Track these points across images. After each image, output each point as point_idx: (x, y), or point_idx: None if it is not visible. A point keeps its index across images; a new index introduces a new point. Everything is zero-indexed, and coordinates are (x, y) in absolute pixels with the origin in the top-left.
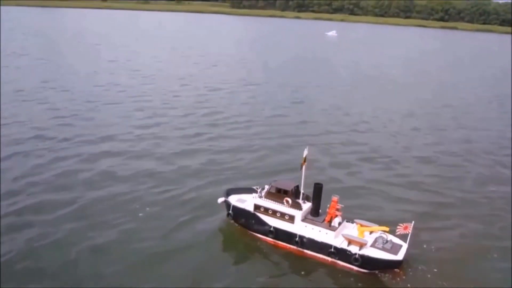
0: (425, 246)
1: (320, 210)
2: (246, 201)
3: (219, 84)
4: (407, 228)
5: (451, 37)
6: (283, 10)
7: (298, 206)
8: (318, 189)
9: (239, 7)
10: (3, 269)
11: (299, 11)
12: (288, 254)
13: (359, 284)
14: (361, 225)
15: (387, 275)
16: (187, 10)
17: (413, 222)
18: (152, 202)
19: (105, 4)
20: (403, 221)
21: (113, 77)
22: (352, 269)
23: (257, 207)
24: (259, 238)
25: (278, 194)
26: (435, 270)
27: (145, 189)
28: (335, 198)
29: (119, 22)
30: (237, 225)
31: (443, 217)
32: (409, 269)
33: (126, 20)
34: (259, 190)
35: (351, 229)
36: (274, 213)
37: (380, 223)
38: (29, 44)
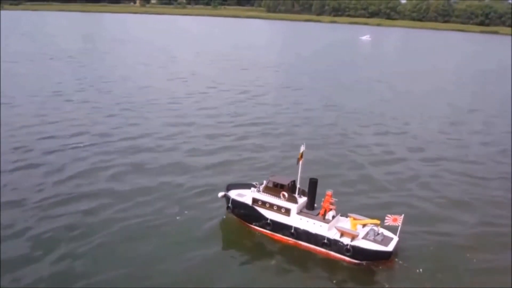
0: (418, 240)
1: (315, 205)
2: (245, 196)
3: (255, 88)
4: (396, 220)
5: (493, 41)
6: (318, 14)
7: (294, 200)
8: (313, 183)
9: (274, 12)
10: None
11: (334, 16)
12: (284, 245)
13: (351, 274)
14: (354, 219)
15: (378, 266)
16: (223, 15)
17: (403, 215)
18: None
19: (144, 9)
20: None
21: (150, 80)
22: (344, 259)
23: (255, 200)
24: (257, 230)
25: (275, 188)
26: (424, 264)
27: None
28: (329, 192)
29: (157, 26)
30: (235, 217)
31: (443, 214)
32: (400, 261)
33: (164, 24)
34: (257, 185)
35: (345, 222)
36: (271, 207)
37: (379, 217)
38: (72, 47)
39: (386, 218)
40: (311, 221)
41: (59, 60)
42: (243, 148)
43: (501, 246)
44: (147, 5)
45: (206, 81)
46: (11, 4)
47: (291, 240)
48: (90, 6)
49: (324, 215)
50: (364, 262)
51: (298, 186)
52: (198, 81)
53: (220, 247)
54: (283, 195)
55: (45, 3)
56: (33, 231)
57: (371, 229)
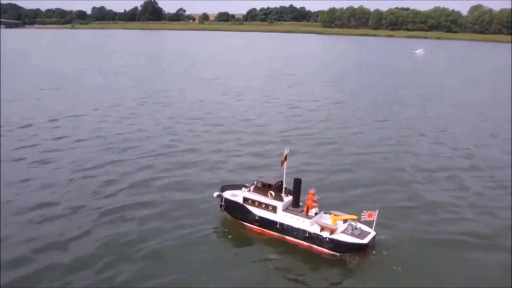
0: (396, 234)
1: (301, 203)
2: (237, 196)
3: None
4: (372, 215)
5: None
6: (375, 28)
7: (280, 198)
8: (297, 183)
9: (330, 27)
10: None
11: (392, 29)
12: (270, 239)
13: (330, 265)
14: (335, 215)
15: (356, 257)
16: (278, 30)
17: (377, 210)
18: None
19: (202, 26)
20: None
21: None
22: (324, 251)
23: (245, 199)
24: (246, 226)
25: (263, 188)
26: (400, 257)
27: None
28: (311, 191)
29: (214, 42)
30: (228, 215)
31: (421, 209)
32: (376, 254)
33: (222, 40)
34: (249, 186)
35: (327, 218)
36: (259, 205)
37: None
38: (134, 63)
39: (362, 213)
40: (295, 217)
41: (122, 74)
42: (291, 163)
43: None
44: (205, 22)
45: (259, 95)
46: (81, 23)
47: (277, 234)
48: (151, 24)
49: (307, 212)
50: (342, 254)
51: (285, 186)
52: (251, 96)
53: (212, 242)
54: (270, 194)
55: (110, 22)
56: (91, 237)
57: (350, 224)
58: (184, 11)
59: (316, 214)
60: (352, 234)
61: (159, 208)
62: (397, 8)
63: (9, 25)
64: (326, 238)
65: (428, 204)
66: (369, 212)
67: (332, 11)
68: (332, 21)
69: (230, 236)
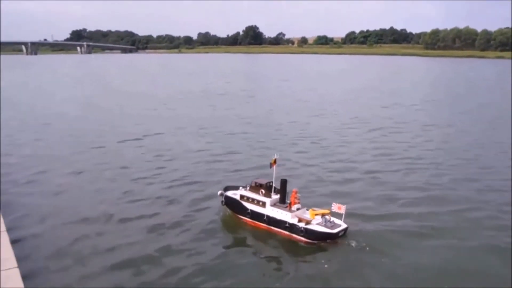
0: (368, 227)
1: (287, 200)
2: (236, 194)
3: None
4: (340, 208)
5: None
6: (482, 50)
7: (268, 195)
8: (283, 183)
9: (433, 49)
10: None
11: (501, 50)
12: (259, 229)
13: (304, 250)
14: (313, 210)
15: (327, 245)
16: (378, 53)
17: (345, 205)
18: None
19: (301, 49)
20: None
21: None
22: (301, 239)
23: (242, 196)
24: (241, 219)
25: (256, 187)
26: (368, 248)
27: None
28: (294, 189)
29: (312, 65)
30: (228, 210)
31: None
32: (345, 243)
33: (319, 64)
34: (246, 186)
35: (307, 213)
36: (252, 201)
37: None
38: (237, 86)
39: (333, 204)
40: (279, 211)
41: (226, 96)
42: (372, 181)
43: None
44: (304, 46)
45: (347, 117)
46: (187, 48)
47: (264, 225)
48: (252, 48)
49: (290, 207)
50: (315, 242)
51: (274, 186)
52: (340, 117)
53: (213, 230)
54: (261, 192)
55: (214, 46)
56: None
57: (325, 218)
58: (284, 35)
59: (298, 209)
60: (324, 226)
61: None
62: (507, 28)
63: (124, 50)
64: (301, 227)
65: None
66: (339, 205)
67: (436, 32)
68: (435, 43)
69: (227, 225)
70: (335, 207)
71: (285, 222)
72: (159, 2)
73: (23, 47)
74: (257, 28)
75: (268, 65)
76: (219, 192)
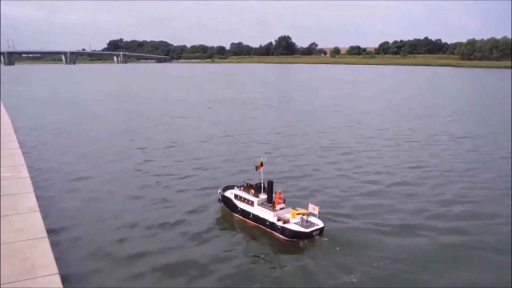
0: (346, 229)
1: (274, 200)
2: (232, 193)
3: None
4: (315, 209)
5: None
6: None
7: (256, 195)
8: (269, 184)
9: (469, 59)
10: None
11: None
12: (247, 225)
13: (281, 246)
14: (293, 209)
15: (303, 243)
16: (412, 64)
17: (318, 206)
18: None
19: (333, 59)
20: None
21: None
22: (279, 237)
23: (235, 196)
24: (234, 216)
25: (247, 187)
26: (338, 248)
27: None
28: (278, 191)
29: (344, 75)
30: (224, 207)
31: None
32: (322, 240)
33: (351, 74)
34: (240, 186)
35: (289, 213)
36: (243, 200)
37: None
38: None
39: (309, 205)
40: (264, 210)
41: (256, 105)
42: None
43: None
44: (337, 56)
45: (377, 128)
46: (220, 58)
47: (251, 222)
48: (284, 58)
49: (274, 207)
50: (293, 240)
51: (263, 186)
52: (368, 129)
53: (209, 224)
54: (251, 192)
55: (246, 56)
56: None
57: (303, 217)
58: (316, 45)
59: (281, 209)
60: (300, 225)
61: None
62: None
63: (159, 60)
64: (279, 226)
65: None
66: (313, 206)
67: (472, 42)
68: (471, 53)
69: (222, 221)
70: (310, 208)
71: (266, 220)
72: (194, 13)
73: (63, 57)
74: (290, 38)
75: (298, 75)
76: (218, 191)
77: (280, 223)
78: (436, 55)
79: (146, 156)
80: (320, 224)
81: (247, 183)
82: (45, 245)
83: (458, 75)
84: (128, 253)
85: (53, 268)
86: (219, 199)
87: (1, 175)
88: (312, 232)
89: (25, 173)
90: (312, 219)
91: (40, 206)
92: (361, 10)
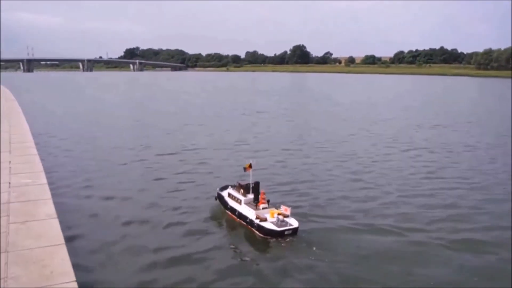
0: (326, 230)
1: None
2: (227, 191)
3: None
4: (287, 210)
5: None
6: None
7: (244, 195)
8: (256, 184)
9: (486, 69)
10: None
11: None
12: (234, 221)
13: (257, 243)
14: (272, 210)
15: (277, 241)
16: (427, 73)
17: (290, 207)
18: None
19: (348, 69)
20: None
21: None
22: (256, 233)
23: (228, 194)
24: (226, 212)
25: (238, 187)
26: (314, 247)
27: None
28: (262, 191)
29: (361, 85)
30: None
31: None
32: (293, 241)
33: (367, 83)
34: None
35: (268, 212)
36: (233, 198)
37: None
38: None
39: (281, 206)
40: (248, 208)
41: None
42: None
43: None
44: (352, 65)
45: (388, 137)
46: (235, 66)
47: (237, 219)
48: (299, 67)
49: (257, 206)
50: (267, 237)
51: (251, 187)
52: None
53: (204, 219)
54: (241, 191)
55: (261, 65)
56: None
57: (278, 217)
58: (331, 54)
59: (264, 208)
60: (275, 224)
61: None
62: None
63: (174, 68)
64: (255, 223)
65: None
66: (285, 207)
67: (488, 52)
68: (488, 63)
69: (214, 216)
70: (283, 209)
71: (247, 217)
72: (208, 22)
73: (80, 64)
74: (304, 47)
75: (314, 84)
76: (217, 189)
77: (257, 221)
78: (452, 65)
79: (166, 163)
80: (294, 224)
81: (239, 183)
82: (63, 252)
83: (474, 85)
84: (144, 263)
85: (71, 275)
86: (215, 197)
87: (21, 181)
88: (284, 231)
89: (43, 180)
90: (289, 220)
91: (57, 212)
92: (376, 20)
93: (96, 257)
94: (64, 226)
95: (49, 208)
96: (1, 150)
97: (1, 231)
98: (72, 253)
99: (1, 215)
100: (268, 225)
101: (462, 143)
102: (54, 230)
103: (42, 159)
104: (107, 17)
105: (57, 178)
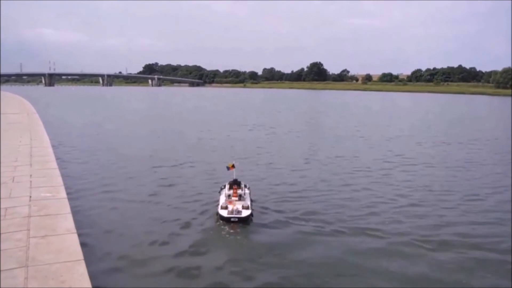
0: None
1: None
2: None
3: None
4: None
5: None
6: None
7: (228, 190)
8: (234, 181)
9: (505, 88)
10: None
11: None
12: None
13: (222, 228)
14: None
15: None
16: (445, 91)
17: (239, 198)
18: None
19: (365, 86)
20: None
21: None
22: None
23: (220, 189)
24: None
25: (228, 184)
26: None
27: None
28: (234, 187)
29: (376, 103)
30: None
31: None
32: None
33: (383, 101)
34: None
35: (231, 203)
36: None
37: None
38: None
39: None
40: (223, 200)
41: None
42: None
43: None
44: (369, 83)
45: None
46: (252, 83)
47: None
48: (316, 84)
49: (231, 198)
50: (221, 220)
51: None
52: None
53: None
54: (227, 187)
55: (278, 82)
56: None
57: (236, 207)
58: (348, 71)
59: (235, 200)
60: (228, 212)
61: None
62: None
63: (192, 84)
64: (217, 211)
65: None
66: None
67: (507, 71)
68: (507, 82)
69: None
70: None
71: (218, 207)
72: (226, 38)
73: (100, 79)
74: (321, 64)
75: (330, 101)
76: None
77: (218, 208)
78: (470, 83)
79: (188, 177)
80: (244, 214)
81: (229, 181)
82: (82, 268)
83: (493, 104)
84: (167, 281)
85: (87, 282)
86: (219, 191)
87: (41, 195)
88: (230, 218)
89: (63, 194)
90: (244, 211)
91: (76, 227)
92: (393, 38)
93: (114, 273)
94: (83, 241)
95: (69, 222)
96: (22, 164)
97: (22, 245)
98: (90, 269)
99: (22, 229)
100: (222, 211)
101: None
102: (73, 245)
103: (62, 172)
104: (127, 33)
105: (76, 191)
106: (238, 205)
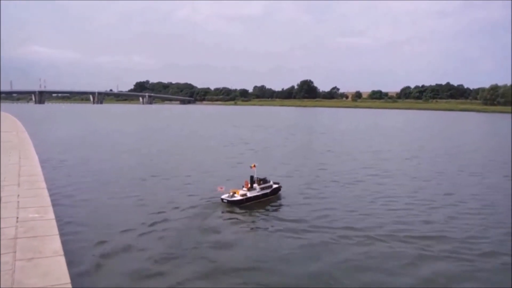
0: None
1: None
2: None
3: None
4: (222, 188)
5: None
6: None
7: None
8: (251, 177)
9: (492, 104)
10: None
11: None
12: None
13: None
14: (235, 190)
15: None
16: (434, 108)
17: (224, 187)
18: None
19: (355, 103)
20: None
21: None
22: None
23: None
24: None
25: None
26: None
27: None
28: (246, 180)
29: (366, 120)
30: None
31: None
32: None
33: (374, 118)
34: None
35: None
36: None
37: None
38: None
39: (218, 187)
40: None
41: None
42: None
43: None
44: (358, 100)
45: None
46: (243, 100)
47: None
48: (306, 101)
49: (243, 189)
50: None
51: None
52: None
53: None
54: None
55: (269, 99)
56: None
57: (232, 194)
58: (338, 89)
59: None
60: (229, 196)
61: None
62: None
63: (183, 102)
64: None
65: None
66: (220, 186)
67: (495, 88)
68: (494, 99)
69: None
70: (218, 188)
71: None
72: (217, 57)
73: (91, 96)
74: (312, 82)
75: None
76: None
77: (231, 193)
78: (458, 100)
79: (184, 193)
80: (235, 198)
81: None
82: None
83: (479, 120)
84: None
85: None
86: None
87: (29, 216)
88: (223, 199)
89: (51, 215)
90: (237, 196)
91: (64, 249)
92: (382, 55)
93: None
94: (70, 264)
95: (56, 244)
96: (10, 183)
97: (7, 268)
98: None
99: (8, 252)
100: (224, 195)
101: None
102: (60, 268)
103: (49, 192)
104: (119, 51)
105: (64, 212)
106: (241, 193)
